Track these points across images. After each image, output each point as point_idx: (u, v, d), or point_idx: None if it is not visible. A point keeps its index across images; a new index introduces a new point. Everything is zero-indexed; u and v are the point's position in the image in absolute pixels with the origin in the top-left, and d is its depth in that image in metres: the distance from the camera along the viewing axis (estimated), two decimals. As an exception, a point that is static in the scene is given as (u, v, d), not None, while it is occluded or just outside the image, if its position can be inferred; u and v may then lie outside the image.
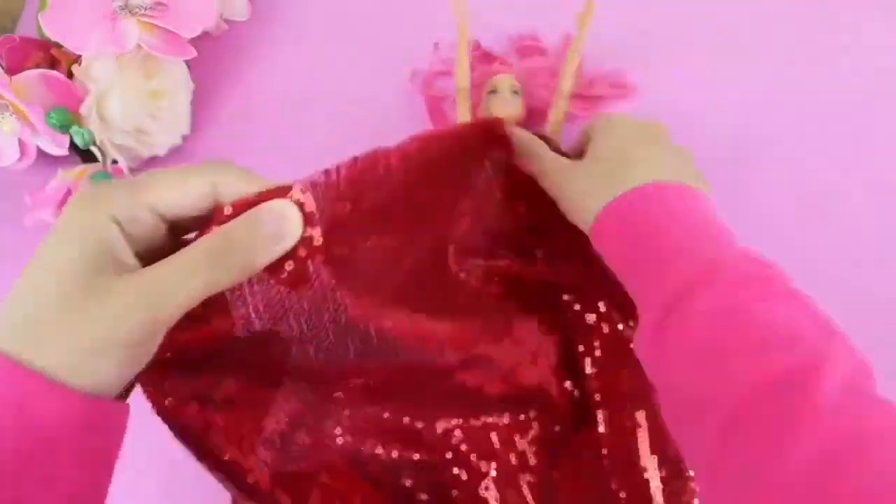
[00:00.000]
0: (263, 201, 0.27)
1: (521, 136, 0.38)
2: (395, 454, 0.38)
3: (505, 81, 0.49)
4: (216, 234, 0.27)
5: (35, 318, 0.25)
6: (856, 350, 0.27)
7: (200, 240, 0.27)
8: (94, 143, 0.51)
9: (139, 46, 0.50)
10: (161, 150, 0.55)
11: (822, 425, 0.24)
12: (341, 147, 0.54)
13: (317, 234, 0.29)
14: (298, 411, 0.35)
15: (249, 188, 0.28)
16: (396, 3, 0.59)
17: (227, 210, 0.27)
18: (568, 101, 0.48)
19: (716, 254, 0.31)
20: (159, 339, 0.27)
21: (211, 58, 0.58)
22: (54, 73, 0.51)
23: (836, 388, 0.24)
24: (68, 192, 0.50)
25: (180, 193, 0.27)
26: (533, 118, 0.50)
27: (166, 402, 0.30)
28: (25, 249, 0.56)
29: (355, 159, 0.31)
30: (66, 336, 0.24)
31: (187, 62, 0.55)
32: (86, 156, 0.52)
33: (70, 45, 0.50)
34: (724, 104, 0.51)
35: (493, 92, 0.49)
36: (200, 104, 0.57)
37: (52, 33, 0.50)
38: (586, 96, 0.51)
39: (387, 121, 0.55)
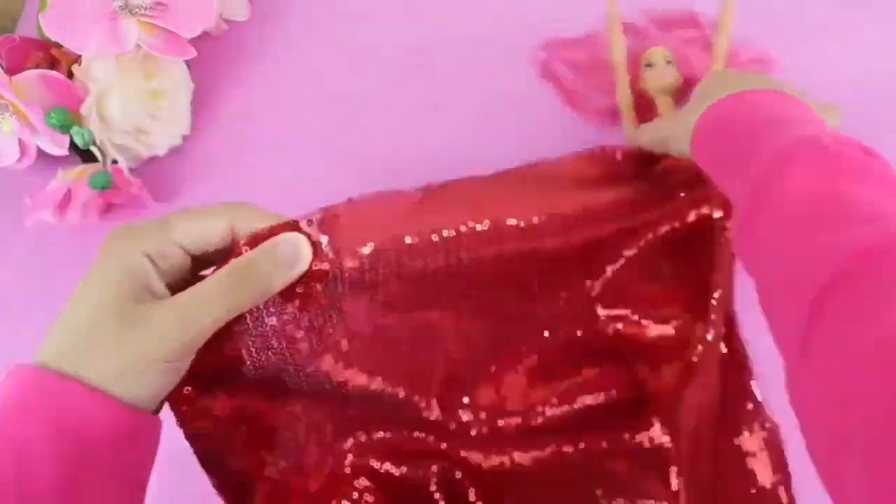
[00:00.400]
0: (276, 234, 0.31)
1: (637, 134, 0.43)
2: (419, 472, 0.38)
3: (659, 53, 0.51)
4: (238, 261, 0.31)
5: (80, 340, 0.28)
6: None
7: (224, 267, 0.30)
8: (95, 144, 0.51)
9: (139, 46, 0.50)
10: (161, 150, 0.55)
11: None
12: (341, 147, 0.55)
13: (323, 264, 0.32)
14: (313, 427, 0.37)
15: (263, 224, 0.31)
16: (396, 3, 0.59)
17: (245, 243, 0.31)
18: (724, 64, 0.50)
19: (808, 135, 0.30)
20: (191, 358, 0.30)
21: (211, 58, 0.58)
22: (54, 73, 0.51)
23: None
24: (68, 193, 0.50)
25: (203, 231, 0.31)
26: (689, 87, 0.52)
27: (189, 414, 0.33)
28: (26, 249, 0.56)
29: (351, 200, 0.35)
30: (109, 354, 0.27)
31: (187, 62, 0.55)
32: (86, 156, 0.52)
33: (70, 45, 0.50)
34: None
35: (650, 65, 0.51)
36: (200, 104, 0.57)
37: (52, 33, 0.50)
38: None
39: (387, 121, 0.55)
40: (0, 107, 0.49)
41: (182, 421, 0.32)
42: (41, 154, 0.52)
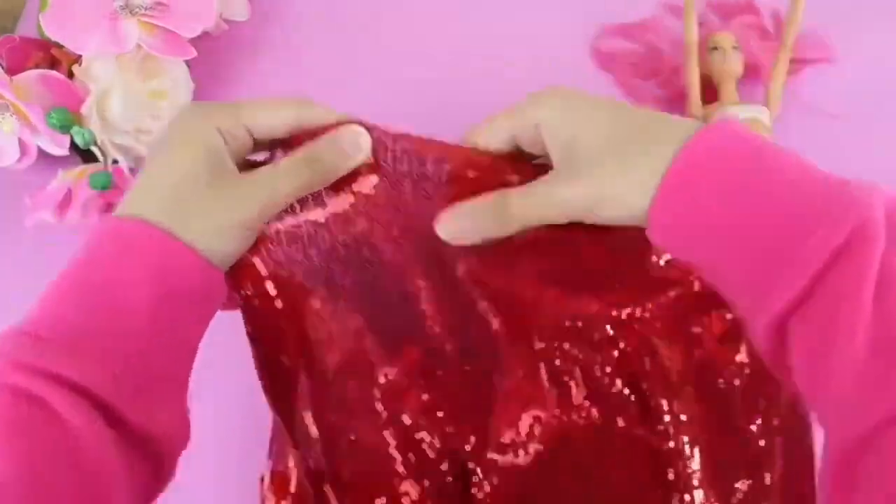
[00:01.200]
0: (335, 128, 0.34)
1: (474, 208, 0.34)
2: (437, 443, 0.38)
3: (726, 38, 0.53)
4: (309, 146, 0.33)
5: (178, 197, 0.30)
6: None
7: (298, 150, 0.33)
8: (95, 144, 0.51)
9: (139, 46, 0.50)
10: (161, 151, 0.55)
11: None
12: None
13: (376, 165, 0.34)
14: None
15: (326, 119, 0.34)
16: (396, 3, 0.60)
17: (310, 133, 0.33)
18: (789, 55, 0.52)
19: (851, 201, 0.25)
20: (259, 229, 0.33)
21: (211, 58, 0.58)
22: (54, 73, 0.51)
23: None
24: (68, 193, 0.50)
25: (273, 120, 0.33)
26: (748, 75, 0.53)
27: (243, 293, 0.35)
28: (26, 249, 0.56)
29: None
30: (205, 215, 0.30)
31: (187, 62, 0.55)
32: (86, 156, 0.52)
33: (71, 45, 0.50)
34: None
35: (715, 49, 0.52)
36: (200, 104, 0.57)
37: (52, 33, 0.50)
38: (791, 59, 0.54)
39: (385, 121, 0.55)
40: (0, 107, 0.49)
41: (240, 289, 0.35)
42: (41, 154, 0.52)
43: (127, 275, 0.29)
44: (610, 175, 0.29)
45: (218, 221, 0.30)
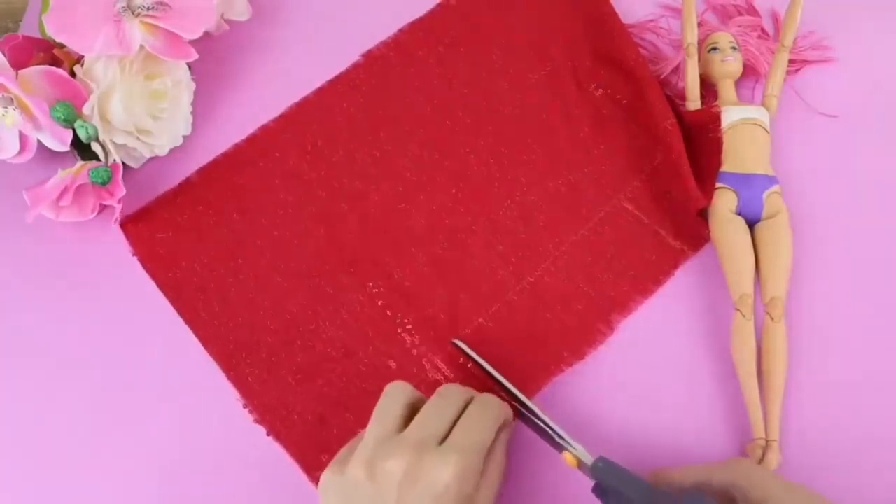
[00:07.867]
0: None
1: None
2: None
3: (725, 38, 0.53)
4: None
5: None
6: None
7: None
8: (97, 139, 0.50)
9: (141, 47, 0.50)
10: (162, 151, 0.55)
11: None
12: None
13: None
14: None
15: None
16: (397, 4, 0.60)
17: None
18: (787, 56, 0.52)
19: None
20: None
21: (211, 58, 0.58)
22: (58, 70, 0.50)
23: None
24: (66, 189, 0.49)
25: None
26: (746, 75, 0.54)
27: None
28: (24, 245, 0.56)
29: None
30: None
31: (189, 62, 0.55)
32: (86, 154, 0.52)
33: (75, 46, 0.50)
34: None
35: (714, 49, 0.53)
36: (201, 104, 0.57)
37: (55, 34, 0.50)
38: (791, 59, 0.54)
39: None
40: (4, 100, 0.48)
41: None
42: (41, 151, 0.51)
43: None
44: None
45: None
